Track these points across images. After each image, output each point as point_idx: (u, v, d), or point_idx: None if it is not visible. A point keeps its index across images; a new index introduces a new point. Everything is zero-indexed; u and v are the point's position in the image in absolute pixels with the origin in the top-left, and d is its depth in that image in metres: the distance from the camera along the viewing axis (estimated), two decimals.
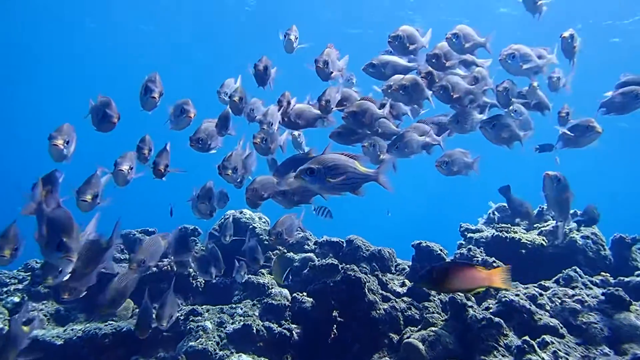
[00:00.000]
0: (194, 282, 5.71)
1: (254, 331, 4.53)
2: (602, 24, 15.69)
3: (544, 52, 4.02)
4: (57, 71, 23.37)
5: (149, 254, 3.08)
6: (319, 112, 3.81)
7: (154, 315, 3.46)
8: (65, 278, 2.50)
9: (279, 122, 3.68)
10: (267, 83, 3.79)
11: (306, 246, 6.48)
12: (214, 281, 5.32)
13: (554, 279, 4.63)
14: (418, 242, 5.02)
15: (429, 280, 2.44)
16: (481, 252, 5.02)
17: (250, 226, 6.30)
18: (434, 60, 3.85)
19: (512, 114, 4.10)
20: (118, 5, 18.09)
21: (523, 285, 4.55)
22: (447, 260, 5.01)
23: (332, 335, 4.21)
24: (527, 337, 3.31)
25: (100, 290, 3.09)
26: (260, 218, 6.55)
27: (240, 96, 3.64)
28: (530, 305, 3.81)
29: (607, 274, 4.51)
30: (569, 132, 3.74)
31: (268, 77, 3.76)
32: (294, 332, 4.58)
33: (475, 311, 3.74)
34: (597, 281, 4.42)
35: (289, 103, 3.79)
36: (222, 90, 4.03)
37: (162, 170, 3.45)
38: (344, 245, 5.26)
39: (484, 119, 3.95)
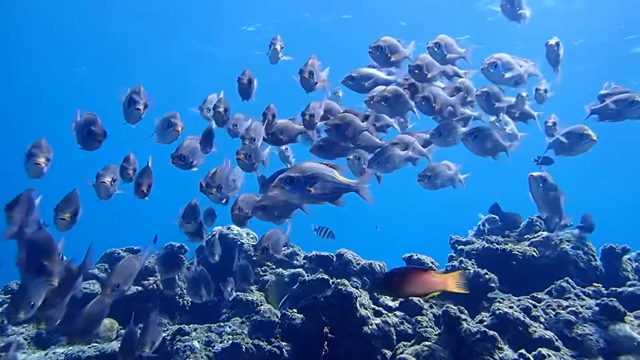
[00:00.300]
0: (180, 300, 5.59)
1: (243, 350, 4.41)
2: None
3: (524, 63, 4.00)
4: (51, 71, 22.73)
5: (123, 277, 2.86)
6: (302, 126, 3.75)
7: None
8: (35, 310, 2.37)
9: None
10: (251, 96, 3.72)
11: (295, 261, 6.39)
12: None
13: (546, 290, 4.60)
14: (409, 254, 4.96)
15: (386, 285, 2.43)
16: (473, 264, 4.97)
17: (238, 242, 6.20)
18: (416, 71, 3.81)
19: (497, 124, 4.06)
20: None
21: (516, 297, 4.51)
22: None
23: (324, 352, 4.11)
24: (523, 351, 3.25)
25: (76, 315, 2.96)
26: (248, 234, 6.45)
27: (225, 107, 3.56)
28: (525, 318, 3.75)
29: (600, 285, 4.47)
30: (563, 139, 3.69)
31: (252, 90, 3.69)
32: (284, 349, 4.46)
33: (469, 324, 3.67)
34: (590, 292, 4.39)
35: (274, 116, 3.71)
36: (204, 106, 3.93)
37: (145, 192, 3.31)
38: (334, 259, 5.18)
39: (465, 130, 3.88)
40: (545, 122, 4.25)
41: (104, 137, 3.12)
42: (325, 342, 4.12)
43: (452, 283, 2.28)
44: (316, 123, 3.65)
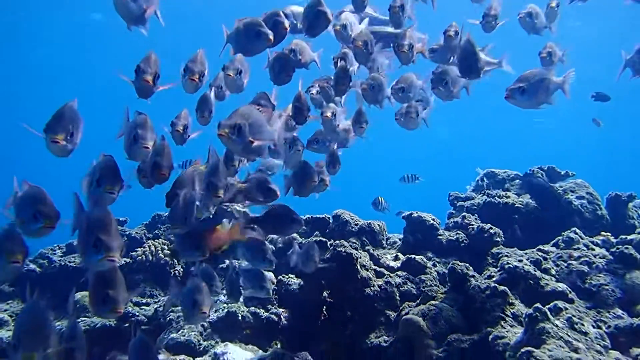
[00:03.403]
0: (172, 271, 5.36)
1: (240, 318, 4.23)
2: None
3: None
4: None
5: None
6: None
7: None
8: None
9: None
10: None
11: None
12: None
13: (552, 242, 4.40)
14: (409, 212, 4.73)
15: (191, 246, 2.62)
16: (476, 219, 4.76)
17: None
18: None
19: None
20: None
21: (521, 251, 4.31)
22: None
23: (324, 317, 3.92)
24: (538, 304, 3.04)
25: None
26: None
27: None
28: (535, 271, 3.55)
29: (608, 234, 4.28)
30: None
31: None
32: (282, 316, 4.28)
33: (477, 281, 3.47)
34: (599, 242, 4.19)
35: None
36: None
37: (167, 175, 2.60)
38: (331, 221, 4.93)
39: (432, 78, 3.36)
40: (540, 53, 3.79)
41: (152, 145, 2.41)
42: (326, 307, 3.93)
43: (237, 232, 2.60)
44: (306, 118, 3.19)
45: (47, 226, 2.04)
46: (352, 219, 4.74)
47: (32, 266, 5.17)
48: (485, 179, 6.13)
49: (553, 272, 3.68)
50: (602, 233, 4.34)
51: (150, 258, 5.24)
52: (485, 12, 3.45)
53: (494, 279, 3.58)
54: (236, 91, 2.93)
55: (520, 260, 3.64)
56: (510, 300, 3.30)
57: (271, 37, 2.69)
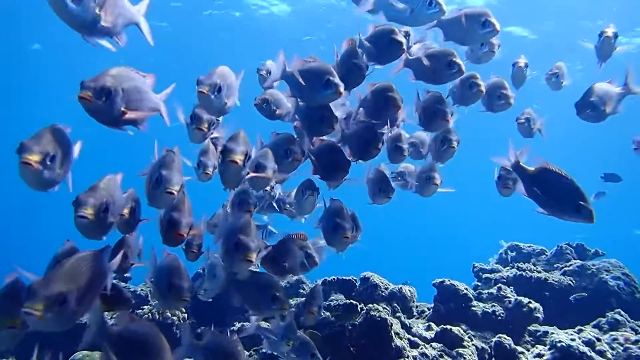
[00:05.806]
0: (178, 332, 4.97)
1: None
2: None
3: None
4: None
5: None
6: None
7: None
8: None
9: None
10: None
11: (301, 290, 5.84)
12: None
13: (592, 323, 4.12)
14: (440, 280, 4.44)
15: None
16: (512, 291, 4.48)
17: None
18: None
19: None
20: None
21: (561, 330, 4.02)
22: None
23: None
24: None
25: None
26: None
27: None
28: (591, 352, 3.25)
29: None
30: None
31: None
32: None
33: (527, 358, 3.17)
34: None
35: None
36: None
37: (196, 252, 2.44)
38: (357, 283, 4.62)
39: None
40: (517, 119, 3.43)
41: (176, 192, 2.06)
42: None
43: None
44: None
45: None
46: (382, 283, 4.44)
47: None
48: (509, 252, 5.90)
49: (609, 355, 3.37)
50: None
51: (157, 317, 4.88)
52: (501, 93, 3.09)
53: (545, 357, 3.27)
54: (215, 114, 2.42)
55: (573, 339, 3.34)
56: None
57: (342, 89, 2.42)
